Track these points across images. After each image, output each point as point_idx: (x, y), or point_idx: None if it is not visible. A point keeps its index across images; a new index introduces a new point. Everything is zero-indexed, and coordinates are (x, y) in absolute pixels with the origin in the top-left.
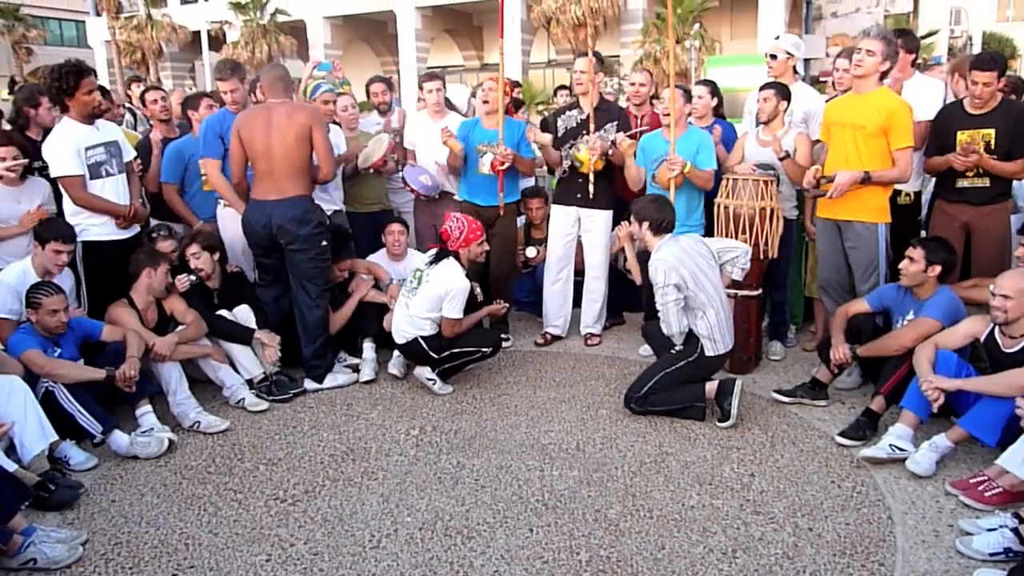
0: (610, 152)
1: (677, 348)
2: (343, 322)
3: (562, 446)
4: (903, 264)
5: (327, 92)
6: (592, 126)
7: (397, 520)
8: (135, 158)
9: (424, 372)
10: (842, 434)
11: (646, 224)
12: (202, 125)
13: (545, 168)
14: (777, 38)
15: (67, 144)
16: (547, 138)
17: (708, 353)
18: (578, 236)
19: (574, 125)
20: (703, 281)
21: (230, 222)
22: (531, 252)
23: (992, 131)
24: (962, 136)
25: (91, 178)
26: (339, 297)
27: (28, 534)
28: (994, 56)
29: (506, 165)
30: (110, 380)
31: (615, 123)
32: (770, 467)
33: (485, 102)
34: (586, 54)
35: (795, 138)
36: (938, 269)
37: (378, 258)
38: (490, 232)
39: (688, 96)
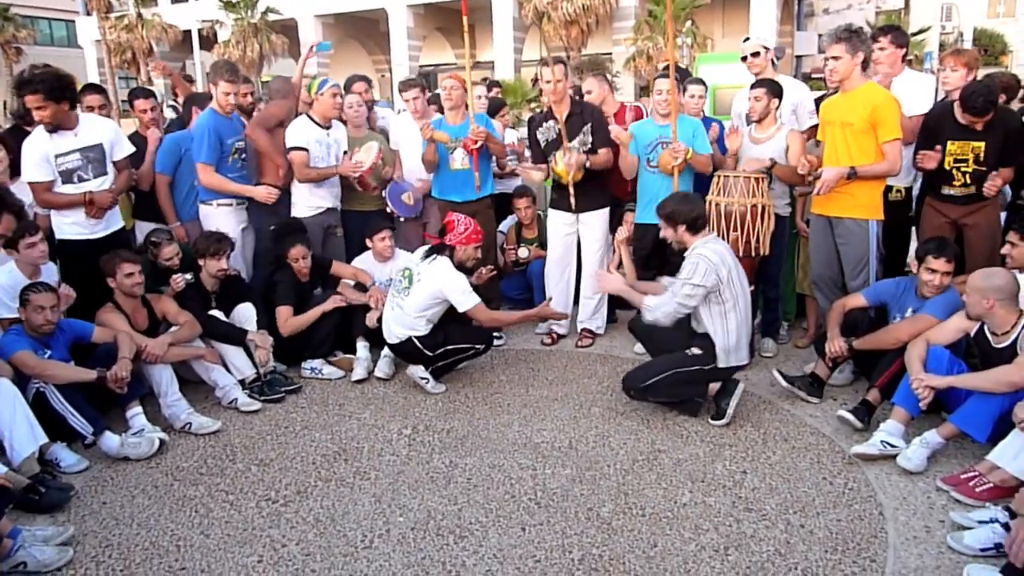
0: (587, 164)
1: (694, 352)
2: (297, 327)
3: (555, 444)
4: (934, 279)
5: (334, 87)
6: (565, 139)
7: (389, 520)
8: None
9: (417, 371)
10: (848, 409)
11: (682, 227)
12: (200, 125)
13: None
14: (747, 39)
15: (34, 152)
16: (539, 177)
17: (720, 364)
18: (578, 235)
19: (553, 137)
20: (736, 281)
21: (214, 221)
22: (523, 252)
23: (982, 144)
24: (952, 146)
25: (63, 183)
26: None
27: (14, 536)
28: (988, 100)
29: (479, 143)
30: (101, 381)
31: (589, 124)
32: (762, 464)
33: (448, 99)
34: (557, 61)
35: (787, 136)
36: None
37: (366, 258)
38: None
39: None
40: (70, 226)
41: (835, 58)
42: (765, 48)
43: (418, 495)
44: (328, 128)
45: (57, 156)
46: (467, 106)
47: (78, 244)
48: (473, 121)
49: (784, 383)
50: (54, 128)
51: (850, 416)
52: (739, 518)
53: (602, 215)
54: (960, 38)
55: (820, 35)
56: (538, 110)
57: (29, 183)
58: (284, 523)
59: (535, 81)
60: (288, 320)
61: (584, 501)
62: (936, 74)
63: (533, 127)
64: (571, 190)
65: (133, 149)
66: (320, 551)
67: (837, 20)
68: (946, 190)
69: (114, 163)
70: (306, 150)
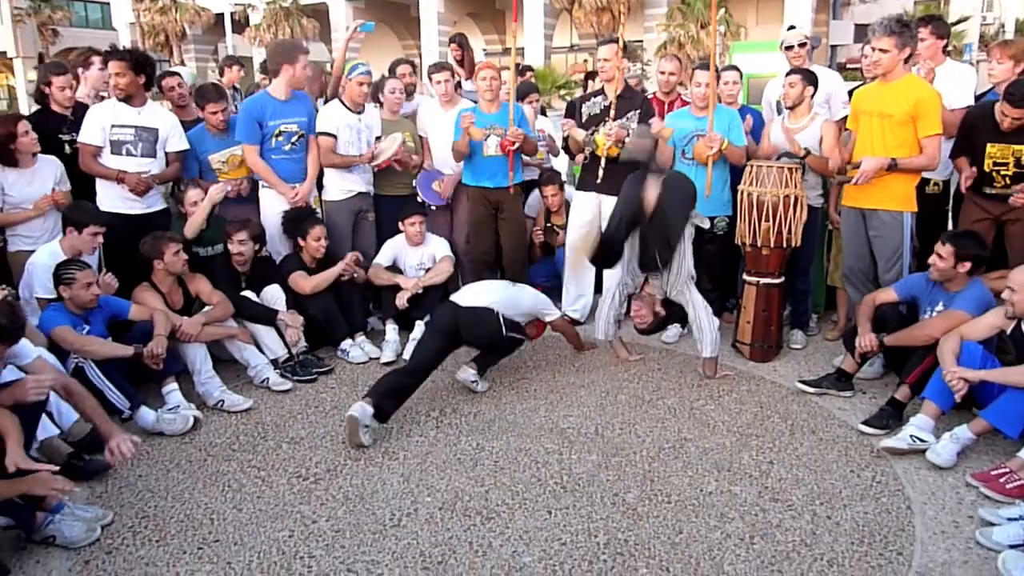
0: (627, 140)
1: None
2: (319, 284)
3: (581, 430)
4: (932, 259)
5: (363, 74)
6: (613, 113)
7: (417, 500)
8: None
9: (468, 375)
10: (866, 423)
11: None
12: (240, 108)
13: (566, 156)
14: (792, 28)
15: (97, 116)
16: (581, 133)
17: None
18: (599, 223)
19: (597, 112)
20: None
21: (271, 204)
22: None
23: (1023, 147)
24: (992, 149)
25: (111, 152)
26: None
27: (57, 510)
28: None
29: (516, 145)
30: (138, 357)
31: (637, 111)
32: (789, 455)
33: (489, 90)
34: (612, 40)
35: (821, 126)
36: (968, 265)
37: (398, 242)
38: (500, 217)
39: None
40: (112, 200)
41: (883, 50)
42: (807, 38)
43: (446, 476)
44: (360, 113)
45: (113, 126)
46: (507, 95)
47: (119, 218)
48: (512, 122)
49: (812, 390)
50: (126, 98)
51: (868, 429)
52: (765, 508)
53: None
54: (1001, 29)
55: (856, 24)
56: (567, 97)
57: (80, 143)
58: (314, 500)
59: (589, 75)
60: (305, 280)
61: (610, 487)
62: (975, 66)
63: (580, 100)
64: (602, 162)
65: (187, 146)
66: (349, 528)
67: (874, 9)
68: (989, 191)
69: (167, 154)
70: (334, 136)
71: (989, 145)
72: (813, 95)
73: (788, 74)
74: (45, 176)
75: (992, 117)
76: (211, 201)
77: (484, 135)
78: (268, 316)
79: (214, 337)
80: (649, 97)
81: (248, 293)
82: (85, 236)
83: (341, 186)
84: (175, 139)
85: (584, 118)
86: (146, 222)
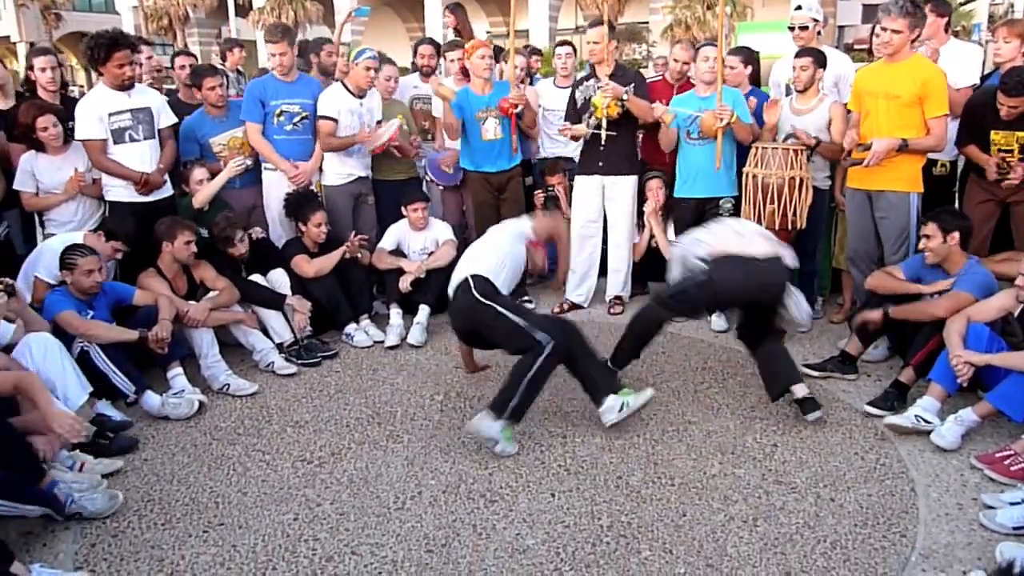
0: (625, 97)
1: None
2: (323, 268)
3: (584, 413)
4: (922, 244)
5: (370, 59)
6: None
7: (421, 483)
8: (174, 125)
9: (485, 427)
10: (870, 403)
11: None
12: (246, 89)
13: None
14: (799, 8)
15: (91, 109)
16: (582, 130)
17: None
18: (603, 205)
19: (592, 94)
20: None
21: (274, 186)
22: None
23: None
24: (996, 136)
25: (115, 143)
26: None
27: (51, 488)
28: (1022, 81)
29: (519, 108)
30: (142, 342)
31: (632, 85)
32: (793, 438)
33: (488, 70)
34: (599, 23)
35: (830, 108)
36: (956, 236)
37: (401, 227)
38: (500, 197)
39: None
40: (123, 188)
41: (895, 31)
42: (815, 20)
43: (450, 459)
44: (362, 97)
45: (110, 114)
46: (501, 74)
47: (125, 207)
48: (514, 87)
49: (816, 374)
50: (130, 85)
51: (874, 410)
52: (768, 490)
53: (630, 184)
54: (1011, 9)
55: (864, 5)
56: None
57: (83, 141)
58: (319, 483)
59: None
60: (309, 263)
61: (613, 469)
62: (984, 46)
63: (573, 86)
64: (603, 124)
65: (176, 119)
66: (354, 511)
67: None
68: (992, 177)
69: (159, 131)
70: (335, 120)
71: (993, 132)
72: (822, 77)
73: (799, 55)
74: (75, 163)
75: (994, 103)
76: (228, 174)
77: (451, 93)
78: (276, 301)
79: (221, 322)
80: (657, 79)
81: (256, 277)
82: (113, 251)
83: (340, 170)
84: (165, 115)
85: (579, 102)
86: (153, 210)
